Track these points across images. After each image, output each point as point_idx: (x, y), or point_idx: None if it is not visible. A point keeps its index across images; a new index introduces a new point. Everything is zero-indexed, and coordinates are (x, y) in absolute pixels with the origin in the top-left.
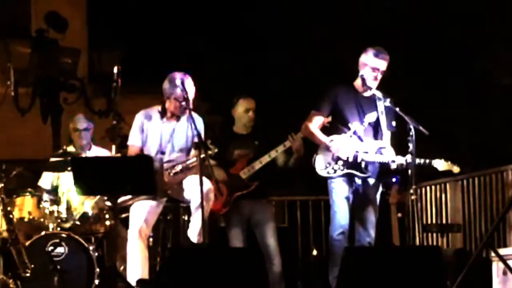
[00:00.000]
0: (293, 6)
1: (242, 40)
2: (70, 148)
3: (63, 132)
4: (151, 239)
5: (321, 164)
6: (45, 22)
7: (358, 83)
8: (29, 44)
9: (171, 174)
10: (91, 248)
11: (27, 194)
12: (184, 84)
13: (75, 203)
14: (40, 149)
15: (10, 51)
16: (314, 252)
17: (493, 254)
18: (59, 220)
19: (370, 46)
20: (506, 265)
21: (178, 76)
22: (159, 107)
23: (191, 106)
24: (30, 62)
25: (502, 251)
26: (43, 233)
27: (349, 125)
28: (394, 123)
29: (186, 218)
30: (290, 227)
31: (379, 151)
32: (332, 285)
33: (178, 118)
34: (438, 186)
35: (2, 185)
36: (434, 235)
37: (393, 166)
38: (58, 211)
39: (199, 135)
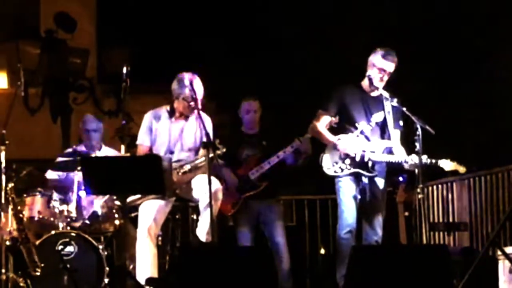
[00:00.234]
0: (303, 5)
1: (251, 39)
2: (80, 148)
3: (73, 131)
4: (160, 238)
5: (328, 163)
6: (54, 23)
7: (365, 83)
8: (38, 44)
9: (180, 173)
10: (100, 247)
11: (37, 193)
12: (193, 85)
13: (84, 202)
14: (49, 148)
15: (20, 51)
16: (322, 251)
17: (499, 252)
18: (68, 219)
19: (379, 46)
20: None
21: (186, 76)
22: (167, 107)
23: (199, 106)
24: (39, 62)
25: (509, 250)
26: (53, 232)
27: (356, 124)
28: (401, 123)
29: (195, 217)
30: (298, 226)
31: (386, 150)
32: (340, 283)
33: (186, 118)
34: (445, 185)
35: (12, 184)
36: (441, 233)
37: (406, 166)
38: (67, 211)
39: (207, 134)
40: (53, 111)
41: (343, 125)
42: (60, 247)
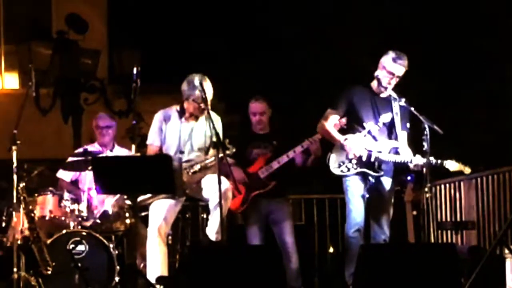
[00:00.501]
0: (310, 6)
1: (260, 40)
2: (91, 147)
3: (84, 131)
4: (170, 237)
5: (335, 163)
6: (65, 24)
7: (374, 83)
8: (50, 45)
9: (190, 173)
10: (111, 246)
11: (48, 193)
12: (203, 86)
13: (95, 201)
14: (61, 148)
15: (31, 52)
16: (331, 249)
17: (506, 251)
18: (80, 219)
19: (391, 49)
20: None
21: (196, 77)
22: (177, 107)
23: (209, 107)
24: (51, 63)
25: None
26: (64, 231)
27: (364, 124)
28: (408, 125)
29: (204, 216)
30: (307, 225)
31: (393, 150)
32: (349, 281)
33: (196, 118)
34: (452, 184)
35: (24, 184)
36: (449, 232)
37: (412, 166)
38: (79, 210)
39: (217, 134)
40: (64, 111)
41: (351, 125)
42: (71, 246)
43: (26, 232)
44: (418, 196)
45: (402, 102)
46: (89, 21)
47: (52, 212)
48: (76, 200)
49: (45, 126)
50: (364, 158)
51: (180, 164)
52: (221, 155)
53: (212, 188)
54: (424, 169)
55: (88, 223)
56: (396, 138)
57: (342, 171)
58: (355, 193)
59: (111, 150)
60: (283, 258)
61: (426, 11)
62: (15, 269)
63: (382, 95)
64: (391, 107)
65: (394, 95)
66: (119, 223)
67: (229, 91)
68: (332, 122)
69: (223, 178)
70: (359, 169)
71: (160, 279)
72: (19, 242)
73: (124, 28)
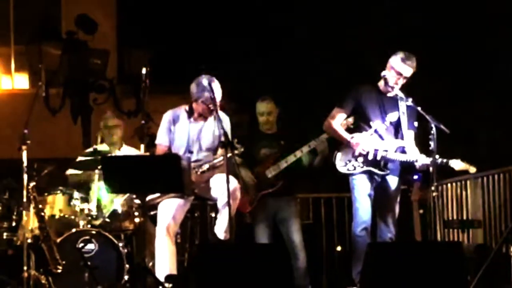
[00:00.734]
0: (322, 6)
1: (269, 40)
2: (101, 147)
3: (93, 131)
4: (178, 236)
5: (341, 161)
6: (75, 25)
7: (381, 83)
8: (59, 46)
9: (198, 172)
10: (120, 244)
11: (58, 192)
12: (212, 87)
13: (105, 201)
14: (70, 148)
15: (41, 53)
16: (338, 248)
17: None
18: (89, 218)
19: (401, 48)
20: None
21: (205, 79)
22: (186, 107)
23: (218, 108)
24: (60, 63)
25: None
26: (73, 230)
27: (371, 123)
28: (416, 123)
29: (213, 215)
30: (315, 224)
31: (399, 149)
32: (356, 280)
33: (205, 118)
34: (458, 183)
35: (34, 183)
36: (455, 231)
37: (417, 165)
38: (88, 209)
39: (225, 134)
40: (74, 111)
41: (358, 124)
42: (80, 245)
43: (36, 231)
44: (425, 195)
45: (409, 102)
46: (98, 21)
47: (62, 211)
48: (86, 199)
49: (55, 126)
50: (370, 157)
51: (188, 164)
52: (229, 154)
53: (220, 187)
54: (431, 168)
55: (97, 222)
56: (402, 137)
57: (348, 169)
58: (362, 191)
59: (119, 149)
60: (290, 257)
61: (435, 11)
62: (25, 268)
63: (389, 95)
64: (398, 106)
65: (401, 94)
66: (128, 222)
67: (239, 90)
68: (339, 121)
69: (231, 177)
70: (365, 168)
71: (169, 278)
72: (29, 241)
73: (133, 28)
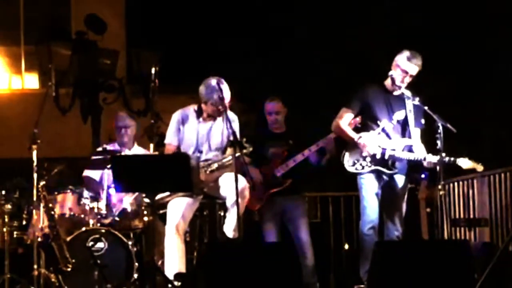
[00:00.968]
0: (328, 7)
1: (277, 40)
2: (110, 146)
3: (103, 130)
4: (188, 234)
5: (349, 160)
6: (84, 25)
7: (388, 82)
8: (69, 46)
9: (208, 172)
10: (130, 243)
11: (68, 191)
12: (221, 89)
13: (114, 199)
14: (80, 147)
15: (51, 53)
16: (346, 246)
17: None
18: (99, 216)
19: (406, 48)
20: None
21: (214, 81)
22: (195, 106)
23: (227, 108)
24: (70, 63)
25: None
26: (83, 229)
27: (378, 122)
28: (423, 121)
29: (222, 214)
30: (323, 222)
31: (406, 148)
32: (364, 278)
33: (214, 118)
34: (465, 182)
35: (44, 182)
36: (462, 229)
37: (425, 163)
38: (98, 208)
39: (234, 134)
40: (84, 111)
41: (366, 123)
42: (90, 243)
43: (46, 230)
44: (432, 194)
45: (416, 101)
46: (107, 21)
47: (72, 210)
48: (95, 198)
49: (65, 125)
50: (378, 156)
51: (197, 163)
52: (238, 154)
53: (229, 186)
54: (438, 167)
55: (107, 221)
56: (409, 136)
57: (356, 168)
58: (369, 190)
59: (129, 149)
60: (298, 255)
61: (436, 10)
62: (35, 266)
63: (395, 93)
64: (405, 105)
65: (407, 93)
66: (138, 220)
67: (247, 90)
68: (347, 121)
69: (240, 177)
70: (373, 167)
71: (178, 276)
72: (39, 239)
73: (142, 28)
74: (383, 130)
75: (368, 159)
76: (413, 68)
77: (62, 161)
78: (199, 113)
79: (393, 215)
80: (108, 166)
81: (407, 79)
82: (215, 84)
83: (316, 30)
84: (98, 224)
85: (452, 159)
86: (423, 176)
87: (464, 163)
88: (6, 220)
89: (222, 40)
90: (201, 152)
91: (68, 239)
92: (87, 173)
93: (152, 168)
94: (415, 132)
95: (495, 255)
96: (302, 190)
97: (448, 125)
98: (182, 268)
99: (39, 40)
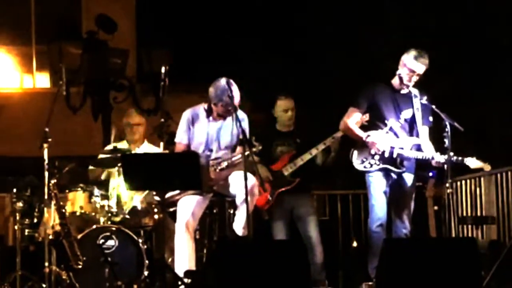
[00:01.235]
0: (338, 7)
1: (285, 40)
2: (120, 145)
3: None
4: (197, 232)
5: (358, 159)
6: (95, 24)
7: (395, 81)
8: (80, 45)
9: (217, 170)
10: (140, 240)
11: (79, 189)
12: (231, 90)
13: (124, 197)
14: (91, 145)
15: (62, 52)
16: (354, 244)
17: None
18: (109, 214)
19: (415, 47)
20: None
21: (224, 82)
22: (205, 105)
23: (237, 108)
24: (81, 62)
25: None
26: (94, 226)
27: (386, 121)
28: (431, 118)
29: (231, 212)
30: (331, 220)
31: (414, 147)
32: (372, 275)
33: (224, 117)
34: (473, 180)
35: (55, 180)
36: (470, 227)
37: (433, 162)
38: (108, 206)
39: (243, 132)
40: (94, 109)
41: (373, 122)
42: (101, 241)
43: (57, 228)
44: (440, 192)
45: (424, 100)
46: (117, 20)
47: (83, 208)
48: (106, 196)
49: (75, 124)
50: (386, 155)
51: (207, 161)
52: (247, 152)
53: (239, 184)
54: (445, 166)
55: (117, 219)
56: (417, 134)
57: (365, 167)
58: (378, 188)
59: (138, 147)
60: (307, 252)
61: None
62: (46, 264)
63: (402, 92)
64: (412, 103)
65: (415, 92)
66: (148, 218)
67: (256, 90)
68: (354, 120)
69: (249, 175)
70: (381, 165)
71: (188, 273)
72: (50, 237)
73: (152, 27)
74: (390, 129)
75: (377, 157)
76: (420, 67)
77: (73, 159)
78: (209, 112)
79: (401, 213)
80: (119, 164)
81: (415, 78)
82: (225, 85)
83: (326, 31)
84: (109, 222)
85: (460, 158)
86: (430, 174)
87: (472, 162)
88: (18, 218)
89: (232, 39)
90: (211, 150)
91: (79, 236)
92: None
93: (162, 167)
94: (423, 130)
95: (502, 252)
96: (310, 188)
97: (456, 124)
98: (192, 266)
99: (50, 39)
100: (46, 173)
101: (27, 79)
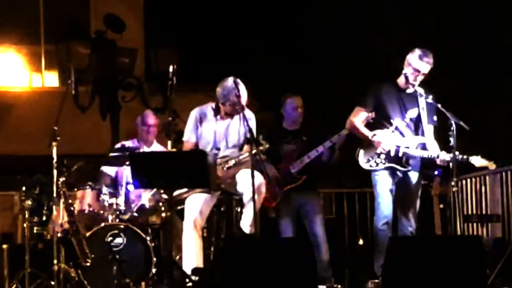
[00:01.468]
0: (338, 7)
1: (291, 39)
2: (128, 143)
3: (121, 128)
4: (205, 230)
5: (364, 158)
6: (103, 24)
7: (401, 80)
8: (88, 45)
9: (225, 168)
10: (148, 238)
11: (87, 187)
12: (239, 90)
13: (132, 196)
14: (99, 144)
15: (71, 51)
16: (360, 242)
17: None
18: (117, 212)
19: (418, 46)
20: None
21: (231, 82)
22: (213, 104)
23: (244, 108)
24: (89, 62)
25: None
26: (102, 224)
27: (392, 121)
28: (435, 117)
29: (238, 210)
30: (337, 218)
31: (420, 146)
32: (378, 273)
33: (232, 116)
34: (478, 179)
35: (64, 179)
36: (475, 225)
37: (438, 161)
38: (116, 204)
39: (251, 131)
40: (102, 108)
41: (379, 121)
42: (109, 239)
43: (66, 226)
44: (445, 190)
45: (430, 99)
46: (126, 20)
47: (91, 206)
48: (114, 194)
49: (84, 122)
50: (392, 154)
51: (214, 160)
52: (254, 151)
53: (246, 182)
54: (451, 164)
55: (125, 217)
56: (422, 133)
57: (371, 165)
58: (384, 187)
59: (148, 147)
60: (314, 250)
61: (453, 9)
62: (55, 261)
63: (408, 91)
64: (417, 102)
65: (420, 91)
66: (156, 216)
67: (263, 89)
68: (361, 119)
69: (256, 173)
70: (387, 164)
71: (195, 271)
72: (59, 235)
73: (160, 27)
74: (396, 128)
75: (383, 156)
76: (425, 66)
77: (81, 158)
78: (216, 111)
79: (407, 211)
80: (127, 162)
81: (420, 77)
82: (233, 85)
83: (326, 31)
84: (117, 220)
85: (465, 157)
86: (436, 173)
87: (477, 161)
88: (27, 216)
89: (239, 39)
90: (218, 149)
91: (87, 234)
92: (103, 168)
93: (170, 165)
94: (428, 129)
95: (506, 250)
96: (317, 186)
97: (461, 123)
98: (199, 263)
99: (59, 39)
100: (55, 172)
101: (36, 78)
